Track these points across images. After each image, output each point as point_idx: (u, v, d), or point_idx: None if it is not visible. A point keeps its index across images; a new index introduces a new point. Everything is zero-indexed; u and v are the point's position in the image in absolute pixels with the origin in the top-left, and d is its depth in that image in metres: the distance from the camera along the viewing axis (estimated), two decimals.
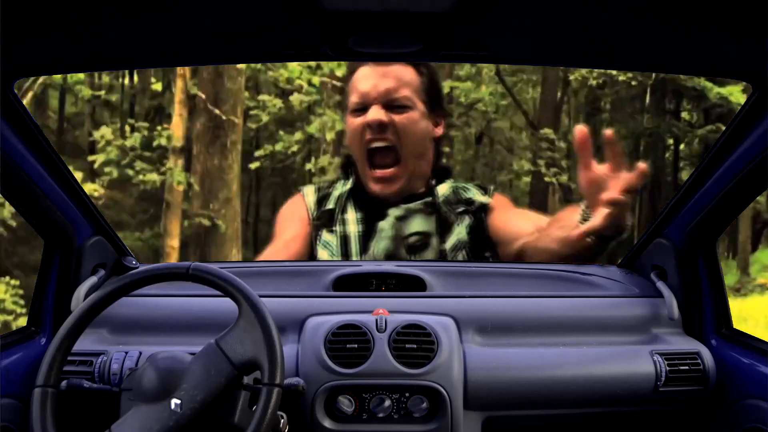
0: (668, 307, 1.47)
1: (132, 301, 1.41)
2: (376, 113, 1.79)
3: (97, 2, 0.89)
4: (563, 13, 0.95)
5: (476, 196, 1.91)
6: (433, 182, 1.90)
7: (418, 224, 1.85)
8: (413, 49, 1.04)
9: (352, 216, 1.86)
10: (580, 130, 1.41)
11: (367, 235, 1.85)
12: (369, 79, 1.82)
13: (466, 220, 1.86)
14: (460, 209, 1.88)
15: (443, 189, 1.90)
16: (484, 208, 1.89)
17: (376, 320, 1.34)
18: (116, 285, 1.16)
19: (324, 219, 1.88)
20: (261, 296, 1.11)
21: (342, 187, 1.91)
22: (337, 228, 1.86)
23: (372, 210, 1.86)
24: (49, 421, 1.07)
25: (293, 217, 1.93)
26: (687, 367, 1.37)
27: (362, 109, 1.82)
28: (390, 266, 1.61)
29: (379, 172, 1.82)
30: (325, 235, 1.87)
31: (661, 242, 1.54)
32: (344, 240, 1.85)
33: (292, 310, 1.41)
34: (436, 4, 0.91)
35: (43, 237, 1.42)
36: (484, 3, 0.91)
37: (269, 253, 1.89)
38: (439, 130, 1.92)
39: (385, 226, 1.84)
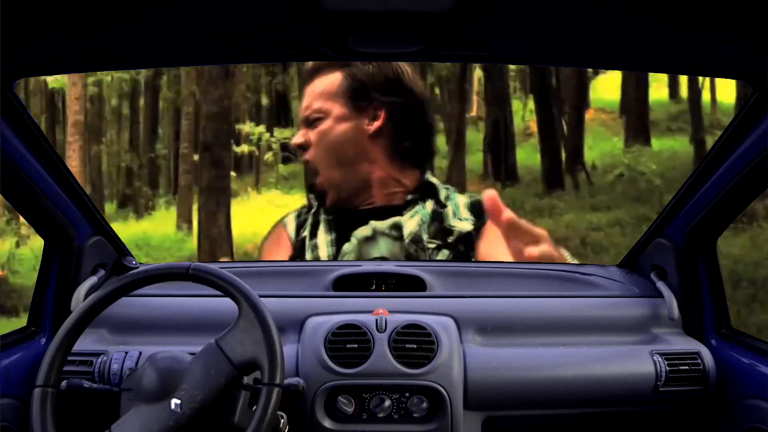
0: (668, 307, 1.47)
1: (132, 301, 1.41)
2: (296, 137, 1.85)
3: (97, 2, 0.89)
4: (563, 13, 0.95)
5: (461, 223, 1.79)
6: (411, 197, 1.82)
7: (381, 249, 1.80)
8: (413, 49, 1.04)
9: (322, 239, 1.84)
10: (489, 196, 1.47)
11: (335, 258, 1.82)
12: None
13: (442, 252, 1.79)
14: (432, 246, 1.79)
15: (411, 225, 1.79)
16: (467, 237, 1.78)
17: (376, 320, 1.34)
18: (116, 285, 1.16)
19: (300, 246, 1.87)
20: (261, 296, 1.11)
21: (313, 210, 1.88)
22: (309, 254, 1.84)
23: (340, 231, 1.83)
24: (49, 421, 1.07)
25: (278, 248, 1.91)
26: (687, 367, 1.37)
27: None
28: (390, 266, 1.61)
29: (317, 189, 1.84)
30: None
31: (661, 242, 1.54)
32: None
33: (292, 310, 1.41)
34: (436, 4, 0.91)
35: (43, 237, 1.42)
36: (484, 3, 0.91)
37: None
38: (373, 126, 1.81)
39: (348, 249, 1.81)
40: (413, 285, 1.54)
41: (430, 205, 1.82)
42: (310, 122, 1.81)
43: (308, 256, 1.84)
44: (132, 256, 1.60)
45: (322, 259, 1.81)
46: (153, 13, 0.94)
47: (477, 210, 1.82)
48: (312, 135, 1.81)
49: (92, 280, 1.45)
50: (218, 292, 1.14)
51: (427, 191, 1.83)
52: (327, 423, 1.29)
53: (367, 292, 1.54)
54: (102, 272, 1.49)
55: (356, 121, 1.82)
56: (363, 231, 1.81)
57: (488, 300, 1.48)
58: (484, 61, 1.20)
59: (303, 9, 0.92)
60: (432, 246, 1.79)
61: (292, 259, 1.86)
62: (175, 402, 1.05)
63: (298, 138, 1.83)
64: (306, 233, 1.86)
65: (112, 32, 0.99)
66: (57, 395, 1.10)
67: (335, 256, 1.80)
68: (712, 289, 1.48)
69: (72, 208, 1.38)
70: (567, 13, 0.95)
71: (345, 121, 1.81)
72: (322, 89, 1.82)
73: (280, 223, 1.95)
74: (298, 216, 1.92)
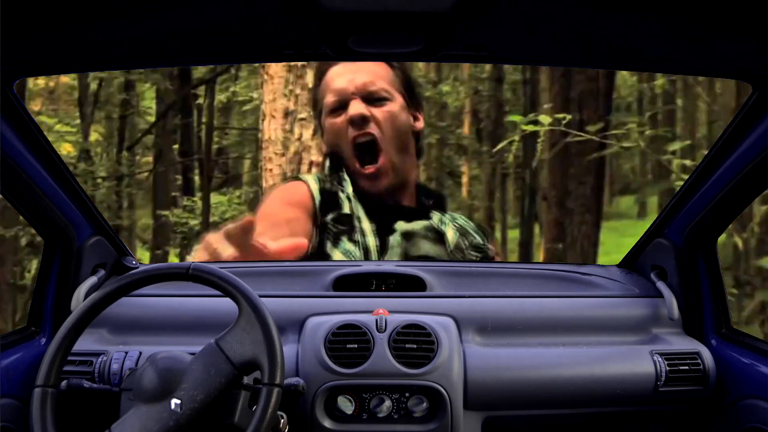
0: (668, 307, 1.47)
1: (132, 301, 1.41)
2: (356, 107, 1.76)
3: (97, 2, 0.89)
4: (563, 13, 0.95)
5: (485, 244, 1.87)
6: (430, 203, 1.85)
7: (426, 249, 1.81)
8: (413, 49, 1.04)
9: (368, 227, 1.82)
10: None
11: (382, 248, 1.81)
12: (344, 75, 1.79)
13: None
14: (473, 254, 1.84)
15: (450, 233, 1.84)
16: (489, 259, 1.85)
17: (376, 320, 1.34)
18: (116, 285, 1.16)
19: (343, 224, 1.82)
20: (261, 296, 1.11)
21: (345, 188, 1.85)
22: (359, 239, 1.81)
23: (381, 221, 1.82)
24: (49, 421, 1.07)
25: (294, 201, 1.84)
26: (687, 367, 1.37)
27: (341, 107, 1.79)
28: (390, 266, 1.61)
29: (367, 168, 1.78)
30: (347, 244, 1.81)
31: (661, 242, 1.54)
32: (365, 252, 1.80)
33: (292, 310, 1.41)
34: (436, 4, 0.91)
35: (43, 237, 1.42)
36: (484, 3, 0.91)
37: (261, 230, 1.72)
38: (419, 124, 1.87)
39: (394, 243, 1.80)
40: (413, 285, 1.54)
41: (448, 216, 1.87)
42: (374, 100, 1.78)
43: (359, 239, 1.80)
44: (132, 256, 1.60)
45: (369, 246, 1.80)
46: (153, 13, 0.94)
47: (482, 235, 1.90)
48: (378, 112, 1.77)
49: (92, 280, 1.45)
50: (218, 292, 1.14)
51: (440, 202, 1.89)
52: (327, 423, 1.29)
53: (367, 292, 1.54)
54: (102, 272, 1.49)
55: (409, 115, 1.84)
56: (404, 226, 1.81)
57: (488, 300, 1.48)
58: (484, 61, 1.20)
59: (303, 9, 0.92)
60: (475, 256, 1.83)
61: (309, 221, 1.81)
62: (175, 402, 1.05)
63: (360, 108, 1.75)
64: (347, 210, 1.82)
65: (113, 32, 0.99)
66: (57, 395, 1.10)
67: (382, 247, 1.80)
68: (712, 289, 1.48)
69: (72, 208, 1.37)
70: (567, 13, 0.95)
71: (404, 111, 1.82)
72: (381, 72, 1.80)
73: (299, 181, 1.91)
74: (321, 182, 1.86)
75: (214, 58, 1.35)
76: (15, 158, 1.18)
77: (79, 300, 1.40)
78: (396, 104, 1.81)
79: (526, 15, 0.97)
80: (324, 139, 1.90)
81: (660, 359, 1.37)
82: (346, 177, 1.85)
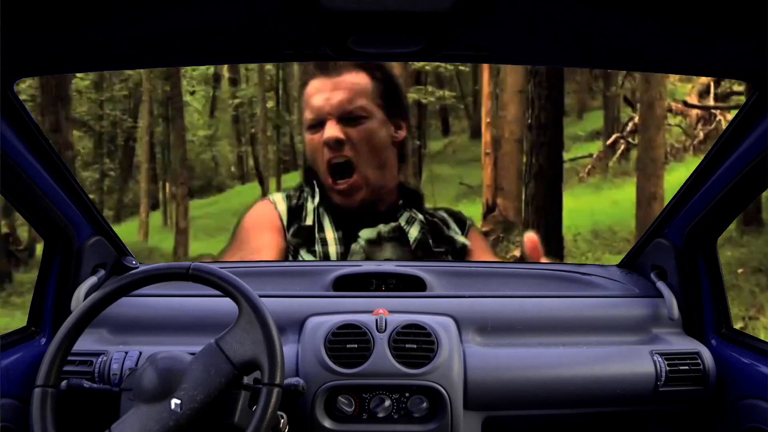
0: (668, 307, 1.47)
1: (132, 301, 1.41)
2: (331, 131, 1.74)
3: (97, 2, 0.89)
4: (563, 13, 0.95)
5: (456, 236, 1.85)
6: (401, 202, 1.84)
7: (388, 252, 1.79)
8: (413, 49, 1.04)
9: (330, 235, 1.81)
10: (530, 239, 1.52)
11: (343, 257, 1.80)
12: (321, 92, 1.76)
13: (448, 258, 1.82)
14: (439, 249, 1.82)
15: (414, 232, 1.82)
16: (465, 248, 1.83)
17: (376, 320, 1.34)
18: (116, 285, 1.16)
19: (302, 236, 1.82)
20: (261, 296, 1.11)
21: (313, 201, 1.84)
22: (318, 248, 1.81)
23: (347, 229, 1.81)
24: (49, 421, 1.07)
25: (263, 225, 1.85)
26: (687, 367, 1.37)
27: (318, 124, 1.77)
28: (390, 266, 1.61)
29: (340, 184, 1.77)
30: (305, 255, 1.81)
31: (661, 242, 1.54)
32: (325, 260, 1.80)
33: (292, 310, 1.41)
34: (436, 4, 0.91)
35: (43, 237, 1.42)
36: (484, 3, 0.91)
37: (236, 258, 1.81)
38: (401, 134, 1.85)
39: (356, 249, 1.79)
40: (413, 285, 1.54)
41: (420, 214, 1.85)
42: (352, 119, 1.76)
43: (316, 248, 1.81)
44: (132, 256, 1.60)
45: (330, 254, 1.80)
46: (153, 13, 0.94)
47: (460, 225, 1.88)
48: (354, 132, 1.76)
49: (92, 280, 1.45)
50: (218, 292, 1.14)
51: (414, 198, 1.86)
52: (327, 423, 1.29)
53: (367, 292, 1.54)
54: (102, 272, 1.49)
55: (391, 126, 1.82)
56: (368, 233, 1.80)
57: (488, 300, 1.48)
58: (484, 61, 1.21)
59: (303, 9, 0.92)
60: (439, 251, 1.82)
61: (280, 243, 1.82)
62: (175, 402, 1.05)
63: (334, 131, 1.74)
64: (309, 222, 1.82)
65: (112, 32, 0.99)
66: (57, 395, 1.10)
67: (344, 254, 1.79)
68: (712, 289, 1.48)
69: (72, 208, 1.37)
70: (567, 13, 0.95)
71: (384, 124, 1.81)
72: (361, 85, 1.77)
73: (266, 200, 1.90)
74: (288, 198, 1.86)
75: (214, 58, 1.34)
76: (15, 158, 1.18)
77: (79, 300, 1.40)
78: (374, 121, 1.78)
79: (526, 15, 0.97)
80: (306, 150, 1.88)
81: (660, 359, 1.37)
82: (317, 189, 1.84)
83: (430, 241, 1.82)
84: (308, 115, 1.79)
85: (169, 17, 0.96)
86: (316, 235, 1.81)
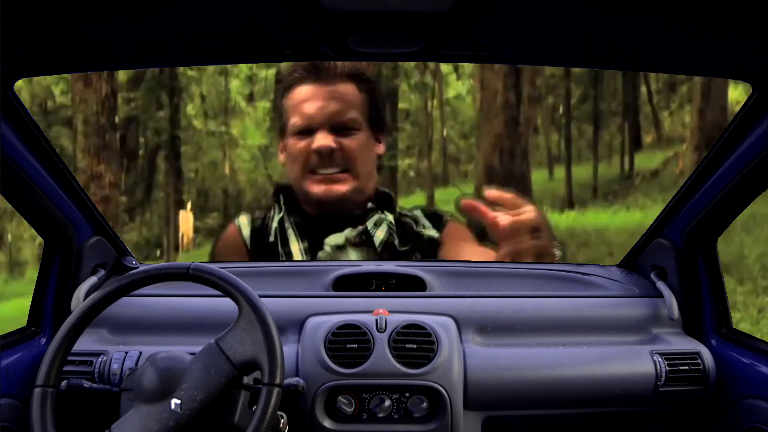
0: (668, 307, 1.47)
1: (132, 301, 1.41)
2: (324, 139, 1.71)
3: (96, 2, 0.89)
4: (563, 13, 0.95)
5: (426, 230, 1.83)
6: (370, 205, 1.82)
7: (353, 257, 1.77)
8: (413, 49, 1.04)
9: (296, 247, 1.79)
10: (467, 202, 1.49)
11: None
12: (314, 101, 1.73)
13: (415, 254, 1.80)
14: (405, 248, 1.80)
15: (380, 234, 1.80)
16: (434, 242, 1.81)
17: (376, 320, 1.34)
18: (116, 285, 1.16)
19: (259, 252, 1.80)
20: (261, 296, 1.11)
21: (278, 216, 1.82)
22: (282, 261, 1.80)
23: (312, 238, 1.79)
24: (49, 421, 1.07)
25: (228, 250, 1.85)
26: (687, 367, 1.37)
27: (307, 132, 1.74)
28: (390, 266, 1.61)
29: (326, 173, 1.74)
30: None
31: (661, 242, 1.54)
32: None
33: (292, 310, 1.41)
34: (436, 4, 0.91)
35: (43, 237, 1.42)
36: (484, 3, 0.91)
37: None
38: (381, 148, 1.85)
39: (323, 257, 1.77)
40: (413, 285, 1.54)
41: (390, 215, 1.83)
42: (344, 129, 1.74)
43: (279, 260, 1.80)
44: (132, 256, 1.60)
45: None
46: (153, 13, 0.94)
47: (435, 220, 1.86)
48: (345, 142, 1.74)
49: (92, 280, 1.45)
50: (218, 292, 1.14)
51: (385, 200, 1.85)
52: (327, 423, 1.29)
53: (367, 292, 1.54)
54: (102, 272, 1.49)
55: (373, 139, 1.82)
56: (335, 239, 1.79)
57: (488, 300, 1.48)
58: (484, 61, 1.21)
59: (303, 9, 0.92)
60: (404, 249, 1.80)
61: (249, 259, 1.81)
62: (175, 402, 1.05)
63: (327, 140, 1.72)
64: (272, 239, 1.80)
65: (112, 32, 0.99)
66: (57, 395, 1.10)
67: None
68: (712, 289, 1.48)
69: (72, 208, 1.38)
70: (567, 13, 0.95)
71: (370, 138, 1.80)
72: (354, 98, 1.76)
73: (233, 224, 1.88)
74: (253, 221, 1.85)
75: (214, 58, 1.35)
76: (15, 158, 1.18)
77: (79, 300, 1.40)
78: (363, 133, 1.78)
79: (526, 15, 0.97)
80: (284, 153, 1.85)
81: (660, 359, 1.37)
82: (282, 206, 1.82)
83: (396, 241, 1.80)
84: (297, 121, 1.75)
85: (169, 17, 0.96)
86: (280, 249, 1.79)
